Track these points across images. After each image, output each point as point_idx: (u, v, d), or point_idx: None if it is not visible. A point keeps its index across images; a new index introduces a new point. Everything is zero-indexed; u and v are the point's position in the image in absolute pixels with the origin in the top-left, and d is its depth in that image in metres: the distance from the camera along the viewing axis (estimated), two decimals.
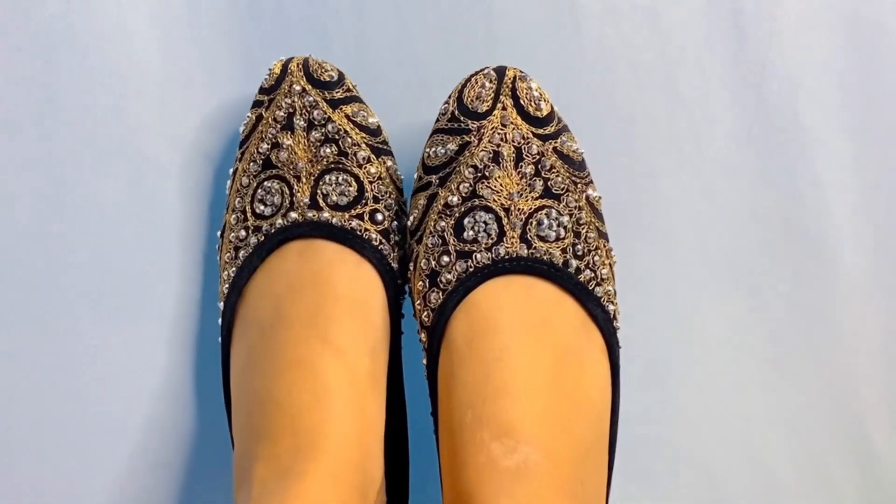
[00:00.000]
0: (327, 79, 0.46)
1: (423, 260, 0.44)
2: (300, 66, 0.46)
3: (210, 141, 0.54)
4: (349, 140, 0.45)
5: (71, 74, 0.52)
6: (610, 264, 0.46)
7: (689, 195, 0.55)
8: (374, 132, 0.47)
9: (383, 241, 0.45)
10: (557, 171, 0.44)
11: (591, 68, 0.54)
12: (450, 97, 0.45)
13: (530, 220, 0.43)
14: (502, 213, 0.43)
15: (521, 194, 0.44)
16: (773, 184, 0.55)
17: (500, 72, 0.44)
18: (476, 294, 0.43)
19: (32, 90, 0.52)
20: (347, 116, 0.46)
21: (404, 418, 0.48)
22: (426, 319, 0.44)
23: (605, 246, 0.46)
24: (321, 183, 0.45)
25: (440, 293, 0.43)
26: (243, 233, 0.46)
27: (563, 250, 0.44)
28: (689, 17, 0.54)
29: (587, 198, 0.45)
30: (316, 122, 0.46)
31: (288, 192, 0.46)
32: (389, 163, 0.47)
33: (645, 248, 0.55)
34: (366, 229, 0.45)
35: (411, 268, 0.45)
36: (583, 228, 0.45)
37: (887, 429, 0.59)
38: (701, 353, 0.56)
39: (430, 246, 0.44)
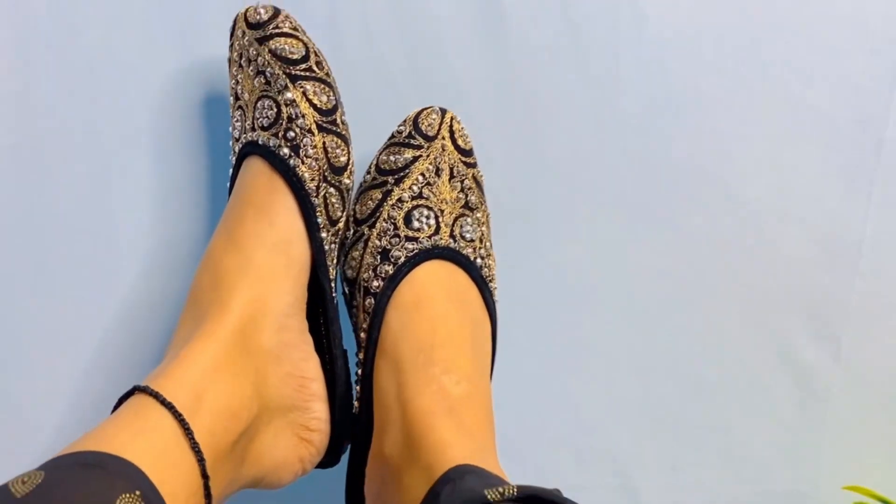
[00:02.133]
0: (256, 20, 0.55)
1: (376, 240, 0.56)
2: (242, 14, 0.56)
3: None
4: (270, 71, 0.55)
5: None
6: (494, 271, 0.60)
7: (610, 154, 0.66)
8: (295, 62, 0.55)
9: (293, 154, 0.54)
10: (473, 191, 0.59)
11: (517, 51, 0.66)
12: (406, 121, 0.58)
13: (456, 222, 0.57)
14: (439, 213, 0.57)
15: (452, 202, 0.57)
16: (681, 138, 0.66)
17: (443, 111, 0.58)
18: (418, 270, 0.55)
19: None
20: (270, 51, 0.55)
21: (338, 333, 0.56)
22: (375, 286, 0.55)
23: (493, 256, 0.60)
24: (256, 108, 0.55)
25: (391, 266, 0.55)
26: (231, 142, 0.58)
27: (475, 249, 0.58)
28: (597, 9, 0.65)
29: (487, 217, 0.60)
30: (251, 58, 0.56)
31: (244, 118, 0.56)
32: (308, 86, 0.55)
33: (574, 196, 0.66)
34: (279, 145, 0.54)
35: (361, 248, 0.57)
36: (485, 238, 0.59)
37: (811, 339, 0.69)
38: (630, 281, 0.67)
39: (382, 229, 0.56)
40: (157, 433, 0.45)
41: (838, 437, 0.70)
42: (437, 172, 0.57)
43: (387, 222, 0.56)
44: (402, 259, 0.55)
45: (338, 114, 0.56)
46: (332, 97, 0.56)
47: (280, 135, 0.54)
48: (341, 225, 0.56)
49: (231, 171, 0.58)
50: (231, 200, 0.56)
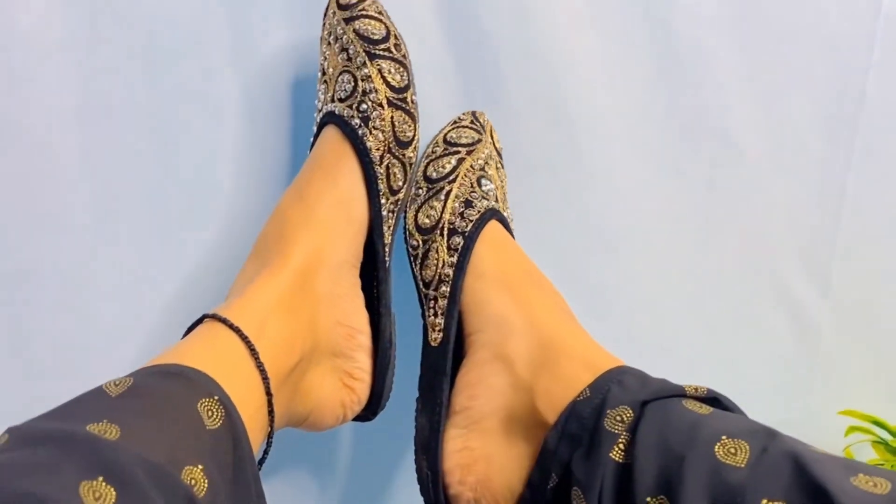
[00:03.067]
0: (347, 1, 0.60)
1: (459, 192, 0.61)
2: None
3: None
4: (352, 49, 0.60)
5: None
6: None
7: (623, 109, 0.72)
8: (376, 42, 0.60)
9: (362, 124, 0.59)
10: (506, 182, 0.66)
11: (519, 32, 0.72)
12: (465, 113, 0.66)
13: (503, 198, 0.64)
14: (496, 187, 0.63)
15: (500, 181, 0.65)
16: (685, 93, 0.72)
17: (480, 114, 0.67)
18: (492, 222, 0.62)
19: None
20: (355, 30, 0.60)
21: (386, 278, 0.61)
22: (463, 226, 0.60)
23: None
24: (337, 82, 0.60)
25: (476, 212, 0.61)
26: (315, 113, 0.62)
27: (510, 222, 0.65)
28: None
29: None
30: (338, 36, 0.60)
31: (326, 90, 0.61)
32: (384, 64, 0.59)
33: (593, 151, 0.73)
34: (351, 116, 0.59)
35: (443, 198, 0.61)
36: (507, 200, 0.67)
37: (803, 277, 0.75)
38: (642, 225, 0.73)
39: (463, 184, 0.62)
40: (227, 352, 0.49)
41: (831, 368, 0.77)
42: (490, 157, 0.65)
43: (465, 179, 0.62)
44: (483, 209, 0.61)
45: (409, 93, 0.60)
46: (405, 77, 0.60)
47: (354, 106, 0.59)
48: (401, 195, 0.61)
49: (312, 139, 0.62)
50: (305, 164, 0.60)
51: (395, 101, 0.60)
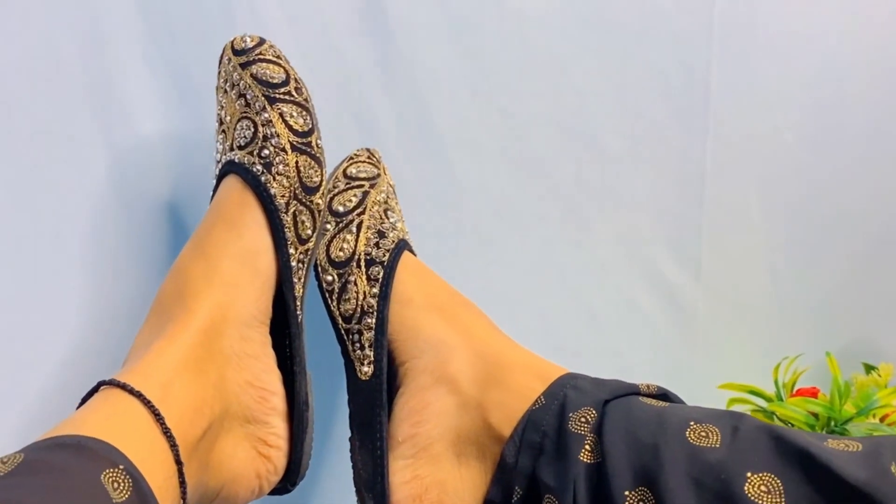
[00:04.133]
0: (241, 46, 0.58)
1: (371, 223, 0.60)
2: (230, 43, 0.59)
3: None
4: (250, 94, 0.57)
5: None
6: None
7: (484, 114, 0.74)
8: (275, 85, 0.57)
9: (265, 171, 0.56)
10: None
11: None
12: (360, 149, 0.66)
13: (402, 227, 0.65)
14: (398, 219, 0.63)
15: (400, 212, 0.65)
16: (544, 98, 0.74)
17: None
18: (406, 252, 0.60)
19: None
20: (252, 75, 0.57)
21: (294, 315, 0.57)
22: (381, 255, 0.59)
23: None
24: (235, 129, 0.58)
25: (391, 241, 0.59)
26: (214, 166, 0.60)
27: None
28: None
29: None
30: (235, 83, 0.58)
31: (224, 139, 0.59)
32: (285, 108, 0.57)
33: (462, 162, 0.74)
34: (252, 163, 0.56)
35: (355, 230, 0.60)
36: None
37: (675, 263, 0.79)
38: (518, 228, 0.75)
39: (373, 215, 0.61)
40: (129, 419, 0.44)
41: (708, 346, 0.81)
42: (389, 191, 0.64)
43: (373, 211, 0.61)
44: (396, 238, 0.60)
45: (313, 137, 0.58)
46: (308, 120, 0.58)
47: (255, 153, 0.56)
48: (311, 244, 0.57)
49: (211, 192, 0.60)
50: (204, 217, 0.57)
51: (298, 146, 0.57)
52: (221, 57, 0.60)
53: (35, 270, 0.65)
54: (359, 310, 0.58)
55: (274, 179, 0.56)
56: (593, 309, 0.77)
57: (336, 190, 0.63)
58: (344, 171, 0.64)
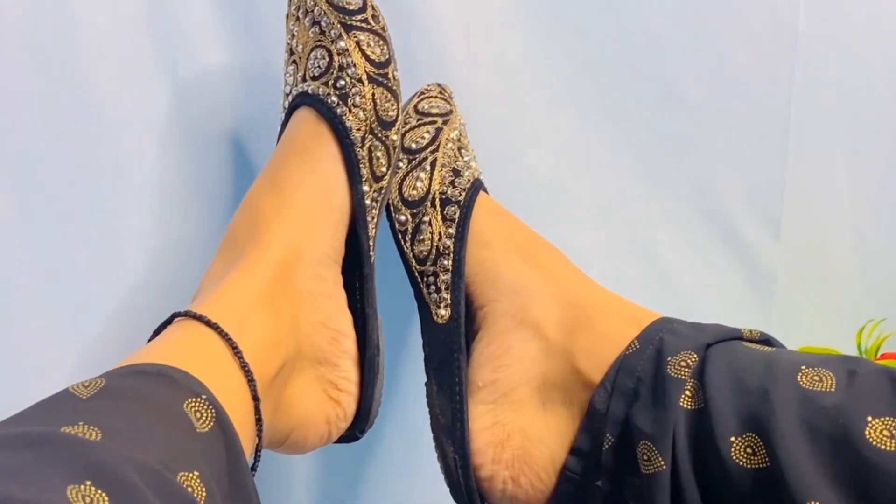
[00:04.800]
0: None
1: (445, 160, 0.57)
2: None
3: None
4: (326, 21, 0.54)
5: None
6: None
7: (558, 62, 0.71)
8: (352, 12, 0.54)
9: (340, 102, 0.53)
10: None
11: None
12: (430, 84, 0.63)
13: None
14: (472, 157, 0.61)
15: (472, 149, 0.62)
16: (619, 40, 0.71)
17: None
18: (482, 192, 0.58)
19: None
20: (327, 1, 0.54)
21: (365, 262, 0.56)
22: (457, 194, 0.56)
23: None
24: (309, 59, 0.55)
25: (466, 181, 0.57)
26: (282, 107, 0.58)
27: None
28: None
29: None
30: (308, 9, 0.55)
31: (296, 70, 0.56)
32: (362, 36, 0.54)
33: (533, 107, 0.71)
34: (327, 94, 0.53)
35: (428, 168, 0.57)
36: None
37: (753, 221, 0.75)
38: (587, 176, 0.72)
39: (447, 153, 0.58)
40: (207, 350, 0.43)
41: (787, 309, 0.77)
42: (462, 128, 0.61)
43: (447, 148, 0.58)
44: (472, 177, 0.58)
45: (390, 68, 0.55)
46: (385, 50, 0.55)
47: (330, 83, 0.54)
48: (385, 182, 0.55)
49: (279, 126, 0.57)
50: (276, 149, 0.55)
51: (375, 77, 0.54)
52: None
53: (100, 209, 0.64)
54: (434, 251, 0.56)
55: (350, 112, 0.53)
56: (665, 267, 0.74)
57: (408, 126, 0.60)
58: (415, 106, 0.61)
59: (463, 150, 0.60)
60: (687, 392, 0.44)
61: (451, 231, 0.56)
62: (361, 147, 0.54)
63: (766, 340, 0.48)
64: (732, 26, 0.72)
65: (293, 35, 0.57)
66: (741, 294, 0.76)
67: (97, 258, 0.64)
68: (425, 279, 0.56)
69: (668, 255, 0.74)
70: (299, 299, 0.51)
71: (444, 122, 0.60)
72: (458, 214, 0.56)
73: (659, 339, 0.47)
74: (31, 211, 0.62)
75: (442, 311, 0.55)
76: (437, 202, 0.57)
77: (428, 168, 0.57)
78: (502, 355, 0.53)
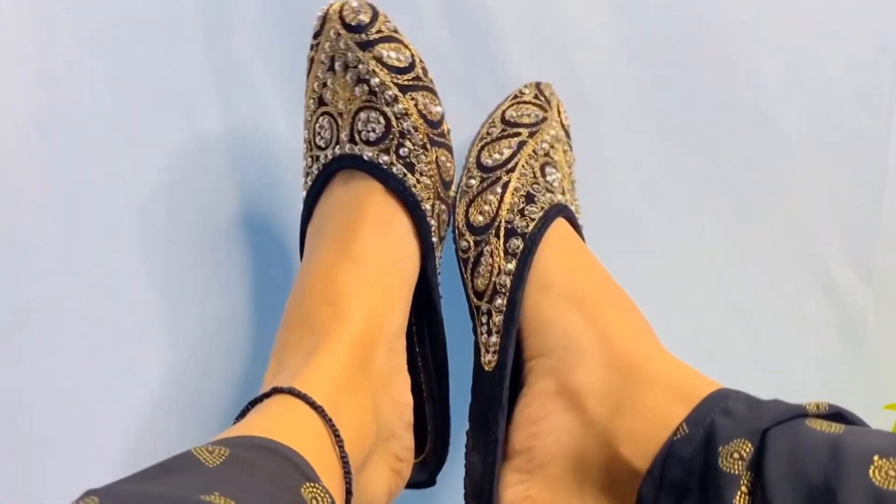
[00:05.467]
0: (358, 22, 0.49)
1: (518, 184, 0.53)
2: (337, 12, 0.50)
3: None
4: (377, 80, 0.50)
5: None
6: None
7: (645, 89, 0.66)
8: (403, 70, 0.50)
9: (407, 172, 0.50)
10: (573, 167, 0.59)
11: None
12: (527, 85, 0.59)
13: (568, 186, 0.57)
14: (562, 175, 0.56)
15: (566, 167, 0.57)
16: (712, 69, 0.66)
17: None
18: (558, 221, 0.53)
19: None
20: (376, 58, 0.49)
21: (442, 332, 0.54)
22: (523, 226, 0.52)
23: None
24: (356, 120, 0.50)
25: (538, 208, 0.52)
26: (309, 161, 0.53)
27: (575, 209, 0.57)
28: None
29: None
30: (350, 64, 0.50)
31: (335, 127, 0.51)
32: (419, 97, 0.51)
33: (615, 137, 0.66)
34: (391, 163, 0.50)
35: (499, 191, 0.53)
36: (579, 212, 0.58)
37: (845, 262, 0.69)
38: (671, 215, 0.66)
39: (523, 175, 0.53)
40: (312, 435, 0.41)
41: (876, 360, 0.71)
42: (558, 139, 0.56)
43: (526, 168, 0.53)
44: (548, 204, 0.52)
45: (445, 123, 0.52)
46: (439, 106, 0.52)
47: (392, 151, 0.50)
48: (444, 239, 0.53)
49: (308, 178, 0.54)
50: (338, 215, 0.51)
51: (435, 139, 0.51)
52: (323, 27, 0.51)
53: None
54: (491, 287, 0.51)
55: (418, 182, 0.51)
56: (751, 311, 0.68)
57: (489, 137, 0.55)
58: (503, 112, 0.56)
59: (549, 167, 0.54)
60: (743, 488, 0.38)
61: (511, 267, 0.51)
62: (432, 216, 0.52)
63: (837, 414, 0.41)
64: (833, 56, 0.67)
65: (324, 84, 0.52)
66: (831, 342, 0.70)
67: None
68: (480, 316, 0.51)
69: (754, 299, 0.69)
70: (378, 379, 0.48)
71: (532, 134, 0.55)
72: (520, 249, 0.51)
73: (710, 421, 0.41)
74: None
75: (489, 357, 0.50)
76: (502, 231, 0.52)
77: (499, 191, 0.53)
78: (540, 420, 0.48)
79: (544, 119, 0.56)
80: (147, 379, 0.61)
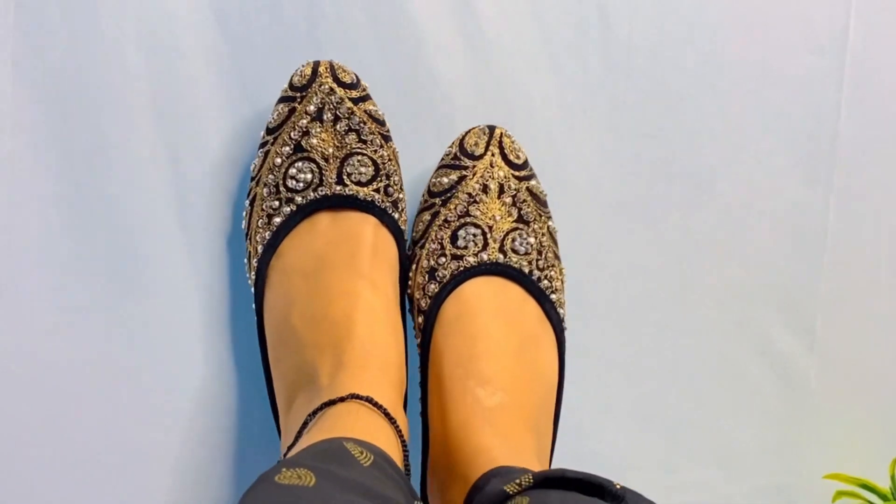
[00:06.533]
0: (349, 80, 0.56)
1: (425, 261, 0.57)
2: (328, 69, 0.56)
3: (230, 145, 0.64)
4: (367, 130, 0.56)
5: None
6: (562, 280, 0.61)
7: (585, 157, 0.67)
8: (382, 123, 0.58)
9: (394, 208, 0.57)
10: (528, 204, 0.59)
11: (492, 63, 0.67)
12: (453, 143, 0.60)
13: (507, 237, 0.58)
14: (487, 230, 0.57)
15: (502, 217, 0.58)
16: (652, 136, 0.67)
17: (492, 128, 0.59)
18: (464, 287, 0.57)
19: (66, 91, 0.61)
20: (366, 112, 0.56)
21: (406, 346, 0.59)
22: (423, 304, 0.57)
23: (558, 265, 0.61)
24: (346, 164, 0.56)
25: (437, 284, 0.57)
26: (276, 203, 0.57)
27: (530, 262, 0.58)
28: (563, 13, 0.66)
29: (548, 228, 0.60)
30: (342, 116, 0.56)
31: (318, 171, 0.56)
32: (393, 146, 0.58)
33: (556, 200, 0.66)
34: (381, 200, 0.57)
35: (413, 268, 0.58)
36: (544, 249, 0.59)
37: (787, 329, 0.70)
38: (614, 279, 0.67)
39: (430, 250, 0.57)
40: (393, 442, 0.47)
41: (818, 426, 0.71)
42: (485, 190, 0.58)
43: (434, 242, 0.57)
44: (447, 277, 0.56)
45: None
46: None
47: (381, 190, 0.57)
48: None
49: (274, 217, 0.57)
50: (341, 244, 0.56)
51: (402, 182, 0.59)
52: (311, 81, 0.56)
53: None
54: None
55: (401, 217, 0.58)
56: (692, 375, 0.69)
57: (418, 208, 0.59)
58: (428, 184, 0.59)
59: (462, 230, 0.57)
60: None
61: (419, 343, 0.58)
62: (408, 251, 0.59)
63: (561, 479, 0.43)
64: (771, 125, 0.68)
65: (305, 132, 0.56)
66: (773, 408, 0.71)
67: None
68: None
69: (695, 363, 0.69)
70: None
71: (444, 202, 0.58)
72: (423, 327, 0.57)
73: None
74: None
75: None
76: (416, 309, 0.58)
77: (414, 267, 0.58)
78: None
79: (461, 179, 0.57)
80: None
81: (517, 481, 0.42)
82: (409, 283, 0.58)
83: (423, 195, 0.59)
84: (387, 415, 0.47)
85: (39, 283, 0.62)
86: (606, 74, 0.66)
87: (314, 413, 0.48)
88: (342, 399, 0.48)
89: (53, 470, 0.63)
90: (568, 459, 0.66)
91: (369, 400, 0.48)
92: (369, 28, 0.63)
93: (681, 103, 0.67)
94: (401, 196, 0.58)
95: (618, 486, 0.41)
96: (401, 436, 0.48)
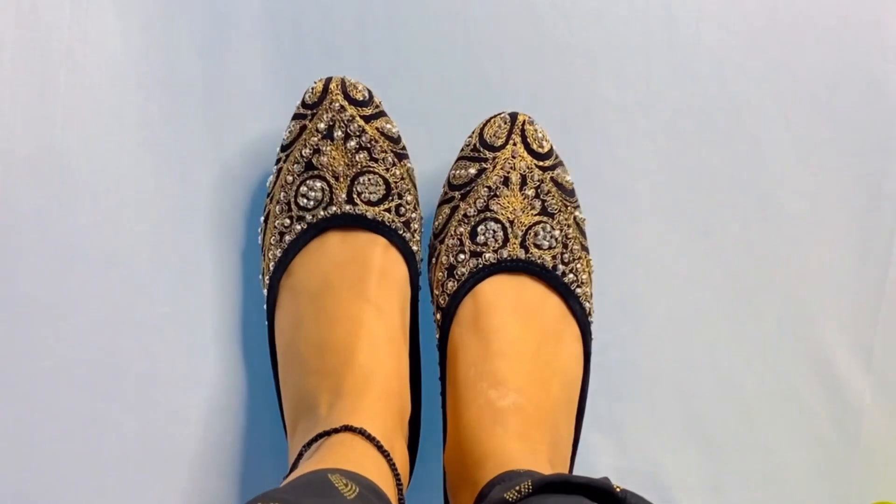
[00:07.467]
0: (361, 98, 0.55)
1: (444, 256, 0.56)
2: (339, 86, 0.55)
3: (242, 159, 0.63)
4: (378, 148, 0.55)
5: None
6: (589, 272, 0.58)
7: (644, 163, 0.64)
8: (396, 140, 0.56)
9: (405, 229, 0.55)
10: (553, 195, 0.56)
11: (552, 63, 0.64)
12: (473, 133, 0.57)
13: (529, 232, 0.55)
14: (507, 225, 0.55)
15: (524, 211, 0.55)
16: (714, 144, 0.64)
17: (514, 116, 0.56)
18: (483, 285, 0.55)
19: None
20: (378, 129, 0.55)
21: (419, 366, 0.59)
22: (442, 302, 0.56)
23: (585, 257, 0.58)
24: (356, 183, 0.55)
25: (455, 282, 0.55)
26: (287, 221, 0.56)
27: (553, 257, 0.56)
28: (630, 13, 0.64)
29: (574, 218, 0.58)
30: (352, 134, 0.54)
31: (328, 189, 0.55)
32: (408, 164, 0.56)
33: (611, 208, 0.64)
34: (392, 220, 0.55)
35: (433, 262, 0.57)
36: (570, 242, 0.57)
37: (845, 348, 0.67)
38: (669, 293, 0.65)
39: (450, 246, 0.56)
40: (385, 475, 0.47)
41: (870, 449, 0.69)
42: (506, 182, 0.55)
43: (453, 238, 0.56)
44: (465, 275, 0.55)
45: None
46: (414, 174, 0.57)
47: (393, 210, 0.55)
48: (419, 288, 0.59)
49: (286, 235, 0.56)
50: (348, 266, 0.55)
51: (417, 197, 0.57)
52: (322, 98, 0.55)
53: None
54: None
55: (413, 238, 0.56)
56: (744, 393, 0.66)
57: (439, 200, 0.58)
58: (448, 175, 0.57)
59: (482, 225, 0.56)
60: None
61: (437, 343, 0.57)
62: (419, 270, 0.57)
63: (563, 483, 0.43)
64: (838, 135, 0.66)
65: (316, 150, 0.55)
66: (825, 429, 0.68)
67: None
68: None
69: (749, 380, 0.67)
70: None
71: (463, 196, 0.56)
72: (441, 324, 0.56)
73: None
74: None
75: None
76: (435, 305, 0.57)
77: (433, 262, 0.57)
78: None
79: (481, 172, 0.55)
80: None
81: (517, 488, 0.42)
82: (429, 276, 0.57)
83: (444, 186, 0.58)
84: (379, 447, 0.47)
85: (63, 290, 0.61)
86: (671, 77, 0.64)
87: (309, 444, 0.48)
88: (336, 430, 0.48)
89: (66, 474, 0.62)
90: (611, 476, 0.64)
91: (362, 432, 0.47)
92: (419, 25, 0.62)
93: (745, 110, 0.65)
94: (414, 216, 0.56)
95: (618, 490, 0.41)
96: (393, 468, 0.47)
